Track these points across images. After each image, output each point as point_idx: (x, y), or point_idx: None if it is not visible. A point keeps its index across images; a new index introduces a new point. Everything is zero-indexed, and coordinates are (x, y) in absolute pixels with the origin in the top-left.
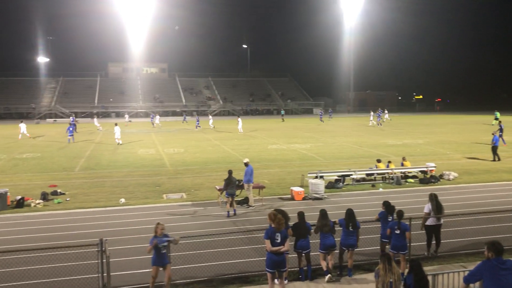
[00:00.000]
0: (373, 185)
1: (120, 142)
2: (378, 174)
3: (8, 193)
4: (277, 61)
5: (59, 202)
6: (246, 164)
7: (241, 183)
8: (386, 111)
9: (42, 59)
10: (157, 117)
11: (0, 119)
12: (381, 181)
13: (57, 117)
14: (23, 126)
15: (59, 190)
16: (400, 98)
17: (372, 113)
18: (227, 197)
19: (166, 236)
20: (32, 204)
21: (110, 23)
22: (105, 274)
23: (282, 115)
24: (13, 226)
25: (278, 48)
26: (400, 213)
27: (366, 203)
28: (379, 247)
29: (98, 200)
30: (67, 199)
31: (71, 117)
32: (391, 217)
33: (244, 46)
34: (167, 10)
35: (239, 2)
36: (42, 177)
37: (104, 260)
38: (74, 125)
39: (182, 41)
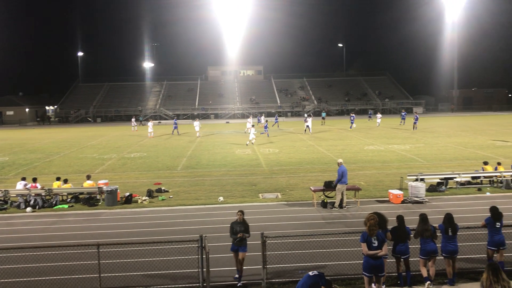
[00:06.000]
0: (479, 189)
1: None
2: (485, 177)
3: (118, 190)
4: (374, 59)
5: (163, 199)
6: (339, 165)
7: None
8: (378, 114)
9: (148, 65)
10: (263, 117)
11: (111, 121)
12: (488, 185)
13: (161, 119)
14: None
15: (163, 188)
16: (510, 95)
17: (379, 115)
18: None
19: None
20: (139, 201)
21: (209, 29)
22: (204, 269)
23: (323, 118)
24: (122, 221)
25: (375, 46)
26: None
27: (471, 208)
28: (485, 255)
29: (199, 198)
30: (170, 196)
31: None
32: (499, 224)
33: (340, 45)
34: (262, 13)
35: (334, 0)
36: (148, 175)
37: (204, 256)
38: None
39: (277, 43)
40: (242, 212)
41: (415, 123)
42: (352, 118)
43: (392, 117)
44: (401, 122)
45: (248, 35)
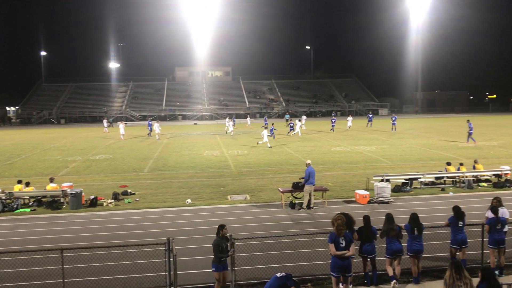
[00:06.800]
0: (442, 189)
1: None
2: (448, 177)
3: (83, 193)
4: (341, 62)
5: (129, 202)
6: (307, 166)
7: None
8: (304, 117)
9: (113, 65)
10: (248, 118)
11: (75, 122)
12: (451, 185)
13: (128, 120)
14: (154, 126)
15: (129, 191)
16: (472, 98)
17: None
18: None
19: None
20: (104, 204)
21: (176, 29)
22: (172, 273)
23: (287, 119)
24: (87, 224)
25: (342, 48)
26: (495, 209)
27: (435, 208)
28: (449, 254)
29: (166, 200)
30: (137, 199)
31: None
32: (461, 223)
33: (307, 47)
34: (230, 14)
35: (301, 3)
36: (114, 178)
37: (171, 259)
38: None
39: (245, 45)
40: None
41: (393, 124)
42: (333, 120)
43: (358, 119)
44: (368, 124)
45: (216, 36)
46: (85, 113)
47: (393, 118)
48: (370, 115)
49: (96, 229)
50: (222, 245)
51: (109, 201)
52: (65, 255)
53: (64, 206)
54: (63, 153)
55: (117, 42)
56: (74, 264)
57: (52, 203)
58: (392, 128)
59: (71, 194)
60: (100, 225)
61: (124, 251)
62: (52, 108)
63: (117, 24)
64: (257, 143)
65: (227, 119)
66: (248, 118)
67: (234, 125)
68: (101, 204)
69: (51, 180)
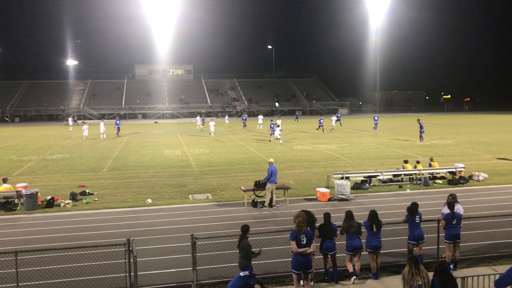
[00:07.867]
0: (400, 186)
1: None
2: (405, 175)
3: (39, 193)
4: (302, 62)
5: (87, 202)
6: (270, 164)
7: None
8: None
9: (71, 62)
10: (227, 117)
11: (31, 121)
12: (408, 182)
13: (86, 118)
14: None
15: (87, 191)
16: (428, 98)
17: (198, 118)
18: None
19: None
20: (62, 204)
21: (136, 26)
22: (132, 274)
23: (244, 119)
24: (43, 226)
25: (303, 49)
26: (452, 205)
27: (393, 205)
28: (406, 249)
29: (125, 201)
30: (95, 199)
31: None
32: (418, 219)
33: (269, 46)
34: (192, 12)
35: (264, 2)
36: (71, 178)
37: (131, 260)
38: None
39: (207, 43)
40: None
41: (376, 123)
42: (320, 120)
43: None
44: (339, 123)
45: (178, 33)
46: (41, 112)
47: (375, 118)
48: (338, 114)
49: (53, 230)
50: (251, 245)
51: (67, 201)
52: (20, 258)
53: (18, 207)
54: (18, 153)
55: (74, 39)
56: (29, 267)
57: (6, 205)
58: (374, 127)
59: (26, 194)
60: (57, 227)
61: (83, 253)
62: (5, 106)
63: (75, 19)
64: (269, 140)
65: (198, 117)
66: (227, 117)
67: (203, 124)
68: (58, 205)
69: (5, 181)
